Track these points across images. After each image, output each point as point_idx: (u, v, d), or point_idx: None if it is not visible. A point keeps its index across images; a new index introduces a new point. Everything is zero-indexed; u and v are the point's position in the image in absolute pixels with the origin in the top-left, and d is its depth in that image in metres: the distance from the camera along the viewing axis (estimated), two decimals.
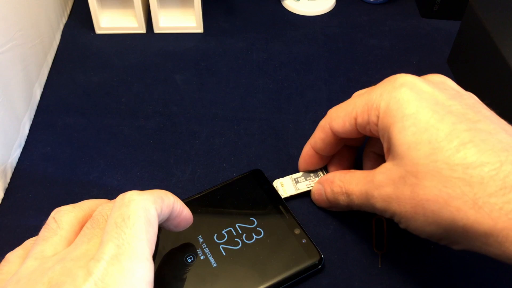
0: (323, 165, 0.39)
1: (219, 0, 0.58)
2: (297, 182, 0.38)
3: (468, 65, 0.47)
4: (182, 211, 0.30)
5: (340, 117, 0.33)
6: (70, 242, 0.27)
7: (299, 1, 0.57)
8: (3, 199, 0.38)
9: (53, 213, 0.28)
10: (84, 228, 0.27)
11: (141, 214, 0.25)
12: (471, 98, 0.30)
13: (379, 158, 0.36)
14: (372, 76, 0.49)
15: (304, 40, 0.53)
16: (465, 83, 0.47)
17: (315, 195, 0.37)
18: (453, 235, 0.27)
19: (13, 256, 0.27)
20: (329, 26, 0.55)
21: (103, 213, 0.27)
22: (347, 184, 0.33)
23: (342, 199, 0.34)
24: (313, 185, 0.38)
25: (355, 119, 0.32)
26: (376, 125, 0.31)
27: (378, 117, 0.30)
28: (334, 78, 0.49)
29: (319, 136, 0.36)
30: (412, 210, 0.28)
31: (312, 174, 0.39)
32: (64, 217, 0.28)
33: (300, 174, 0.39)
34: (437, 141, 0.27)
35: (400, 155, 0.28)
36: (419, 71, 0.50)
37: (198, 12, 0.52)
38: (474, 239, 0.26)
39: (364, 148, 0.38)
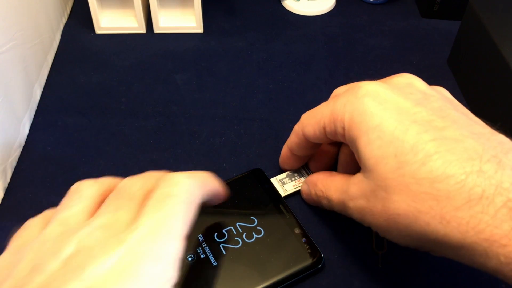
0: (303, 164, 0.39)
1: (219, 0, 0.58)
2: (283, 183, 0.38)
3: (468, 65, 0.47)
4: (221, 196, 0.30)
5: (311, 125, 0.33)
6: (92, 213, 0.26)
7: (299, 1, 0.57)
8: (3, 199, 0.38)
9: (74, 185, 0.28)
10: (109, 199, 0.27)
11: (185, 196, 0.25)
12: (439, 100, 0.29)
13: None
14: (372, 76, 0.49)
15: (304, 40, 0.53)
16: (465, 83, 0.47)
17: (303, 195, 0.37)
18: (427, 246, 0.27)
19: (33, 222, 0.27)
20: (329, 26, 0.55)
21: (128, 186, 0.27)
22: (327, 189, 0.33)
23: (325, 203, 0.34)
24: (299, 185, 0.38)
25: (324, 129, 0.32)
26: (344, 136, 0.31)
27: (344, 128, 0.30)
28: (334, 78, 0.49)
29: (294, 141, 0.36)
30: (385, 223, 0.28)
31: (296, 174, 0.39)
32: (87, 189, 0.28)
33: (284, 175, 0.39)
34: (402, 154, 0.26)
35: (368, 169, 0.28)
36: (419, 71, 0.50)
37: (198, 12, 0.52)
38: (446, 250, 0.26)
39: None
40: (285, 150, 0.38)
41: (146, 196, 0.26)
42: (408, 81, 0.31)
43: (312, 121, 0.33)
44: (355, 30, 0.54)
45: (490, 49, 0.42)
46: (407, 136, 0.27)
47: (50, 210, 0.28)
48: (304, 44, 0.52)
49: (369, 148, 0.28)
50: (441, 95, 0.30)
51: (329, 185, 0.33)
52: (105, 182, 0.29)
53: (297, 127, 0.35)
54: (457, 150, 0.26)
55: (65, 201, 0.27)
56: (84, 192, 0.27)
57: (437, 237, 0.25)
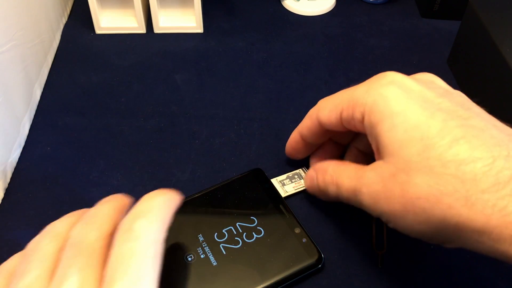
0: (309, 153, 0.39)
1: (219, 0, 0.58)
2: (283, 184, 0.38)
3: (468, 65, 0.47)
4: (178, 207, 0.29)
5: (327, 109, 0.33)
6: (52, 273, 0.25)
7: (299, 1, 0.57)
8: (3, 199, 0.38)
9: (32, 244, 0.26)
10: (65, 257, 0.25)
11: (151, 249, 0.25)
12: (461, 96, 0.30)
13: (361, 155, 0.36)
14: (372, 76, 0.49)
15: (304, 40, 0.53)
16: (465, 83, 0.47)
17: (307, 181, 0.37)
18: (444, 234, 0.26)
19: None
20: (329, 26, 0.55)
21: (84, 237, 0.25)
22: (339, 175, 0.33)
23: (332, 189, 0.33)
24: (299, 187, 0.38)
25: (341, 114, 0.32)
26: (361, 122, 0.30)
27: (363, 114, 0.30)
28: (334, 78, 0.49)
29: (306, 124, 0.36)
30: (401, 208, 0.27)
31: (296, 176, 0.39)
32: (45, 247, 0.26)
33: (284, 176, 0.39)
34: (429, 138, 0.26)
35: (390, 153, 0.28)
36: (419, 71, 0.50)
37: (198, 12, 0.52)
38: (466, 237, 0.25)
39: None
40: (294, 134, 0.38)
41: (104, 246, 0.25)
42: (431, 78, 0.31)
43: (329, 106, 0.33)
44: (355, 30, 0.54)
45: (490, 49, 0.42)
46: (434, 121, 0.27)
47: (12, 261, 0.26)
48: (304, 44, 0.52)
49: (393, 132, 0.28)
50: (460, 94, 0.31)
51: (341, 172, 0.33)
52: (59, 236, 0.27)
53: (311, 111, 0.35)
54: (484, 137, 0.26)
55: (23, 265, 0.25)
56: (42, 251, 0.25)
57: (459, 220, 0.25)
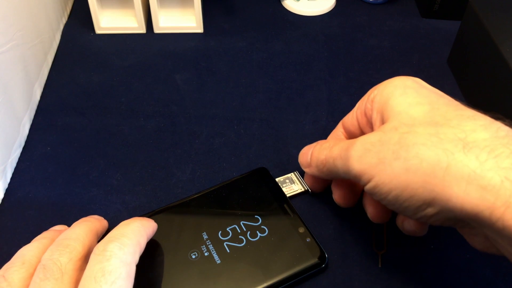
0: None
1: (219, 0, 0.58)
2: None
3: (468, 65, 0.47)
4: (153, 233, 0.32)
5: (352, 111, 0.35)
6: None
7: (299, 1, 0.57)
8: (3, 199, 0.38)
9: (1, 272, 0.27)
10: (36, 279, 0.26)
11: (123, 270, 0.26)
12: None
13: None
14: (372, 76, 0.49)
15: (304, 40, 0.53)
16: (465, 83, 0.47)
17: (304, 149, 0.36)
18: (429, 183, 0.26)
19: None
20: (329, 26, 0.55)
21: (55, 260, 0.26)
22: (337, 143, 0.33)
23: (324, 152, 0.33)
24: (291, 191, 0.38)
25: (357, 108, 0.34)
26: (372, 102, 0.31)
27: (375, 95, 0.31)
28: (334, 78, 0.49)
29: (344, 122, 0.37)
30: (392, 155, 0.27)
31: (287, 181, 0.39)
32: (14, 274, 0.27)
33: (276, 180, 0.39)
34: (437, 103, 0.28)
35: (398, 112, 0.29)
36: (419, 71, 0.50)
37: (198, 12, 0.52)
38: (452, 185, 0.25)
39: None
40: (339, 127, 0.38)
41: (76, 269, 0.26)
42: None
43: (355, 107, 0.35)
44: (355, 30, 0.54)
45: (490, 49, 0.42)
46: (443, 98, 0.29)
47: None
48: (304, 44, 0.52)
49: (404, 97, 0.29)
50: None
51: (339, 140, 0.33)
52: (32, 260, 0.28)
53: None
54: (486, 115, 0.27)
55: None
56: (7, 281, 0.26)
57: (450, 163, 0.25)
